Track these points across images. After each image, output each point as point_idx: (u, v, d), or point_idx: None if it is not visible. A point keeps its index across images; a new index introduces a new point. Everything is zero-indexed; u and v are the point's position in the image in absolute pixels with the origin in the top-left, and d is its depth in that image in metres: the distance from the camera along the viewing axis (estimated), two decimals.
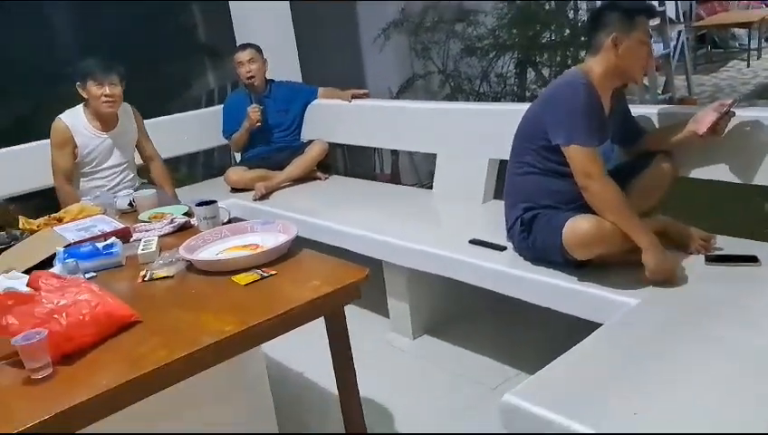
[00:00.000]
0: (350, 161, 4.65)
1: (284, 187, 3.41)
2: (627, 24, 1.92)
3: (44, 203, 3.01)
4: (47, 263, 1.80)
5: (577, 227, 1.85)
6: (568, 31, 4.77)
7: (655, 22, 2.78)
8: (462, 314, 2.74)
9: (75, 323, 1.35)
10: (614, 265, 1.92)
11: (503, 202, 2.20)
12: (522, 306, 2.15)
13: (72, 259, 1.72)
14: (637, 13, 1.94)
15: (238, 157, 3.79)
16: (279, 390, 2.04)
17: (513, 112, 2.50)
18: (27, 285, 1.49)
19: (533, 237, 2.00)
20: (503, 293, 2.11)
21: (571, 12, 4.94)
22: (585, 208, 1.91)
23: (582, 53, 4.70)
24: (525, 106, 2.59)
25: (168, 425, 1.58)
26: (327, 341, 1.67)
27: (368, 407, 1.78)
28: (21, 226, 2.16)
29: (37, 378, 1.27)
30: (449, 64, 4.82)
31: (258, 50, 3.53)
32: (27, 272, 1.71)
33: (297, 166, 3.44)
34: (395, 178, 4.67)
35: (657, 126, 2.21)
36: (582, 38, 4.75)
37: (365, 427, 1.76)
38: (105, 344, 1.38)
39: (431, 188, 3.14)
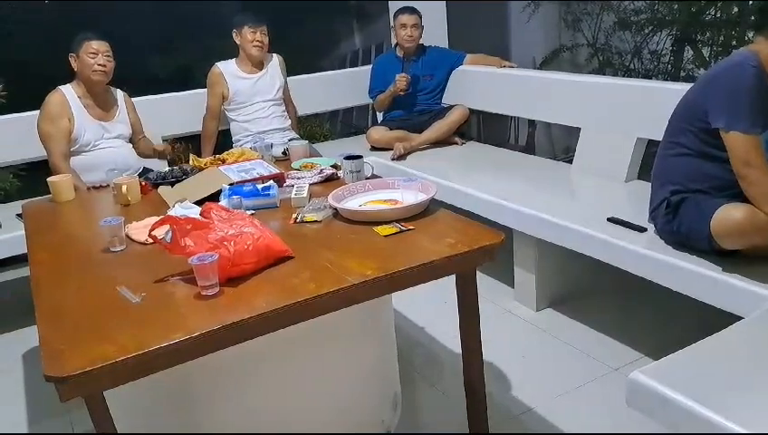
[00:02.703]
0: (484, 129, 4.65)
1: (422, 149, 3.49)
2: None
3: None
4: (214, 197, 2.01)
5: (729, 216, 1.77)
6: (736, 9, 4.39)
7: None
8: (589, 291, 2.71)
9: (240, 251, 1.51)
10: (762, 258, 1.83)
11: (647, 183, 2.13)
12: (651, 291, 2.10)
13: (236, 196, 1.92)
14: None
15: (378, 117, 3.91)
16: (402, 339, 2.16)
17: (667, 91, 2.42)
18: (200, 214, 1.68)
19: (679, 221, 1.94)
20: (640, 275, 2.06)
21: None
22: (737, 197, 1.82)
23: (751, 34, 4.34)
24: (680, 85, 2.46)
25: (309, 350, 1.73)
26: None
27: (485, 369, 1.82)
28: (191, 163, 2.43)
29: (206, 295, 1.44)
30: (600, 37, 4.64)
31: (420, 16, 3.60)
32: (198, 203, 1.94)
33: (436, 129, 3.50)
34: (529, 150, 4.61)
35: None
36: (752, 17, 4.38)
37: (485, 386, 1.82)
38: (263, 273, 1.54)
39: (568, 162, 3.09)
